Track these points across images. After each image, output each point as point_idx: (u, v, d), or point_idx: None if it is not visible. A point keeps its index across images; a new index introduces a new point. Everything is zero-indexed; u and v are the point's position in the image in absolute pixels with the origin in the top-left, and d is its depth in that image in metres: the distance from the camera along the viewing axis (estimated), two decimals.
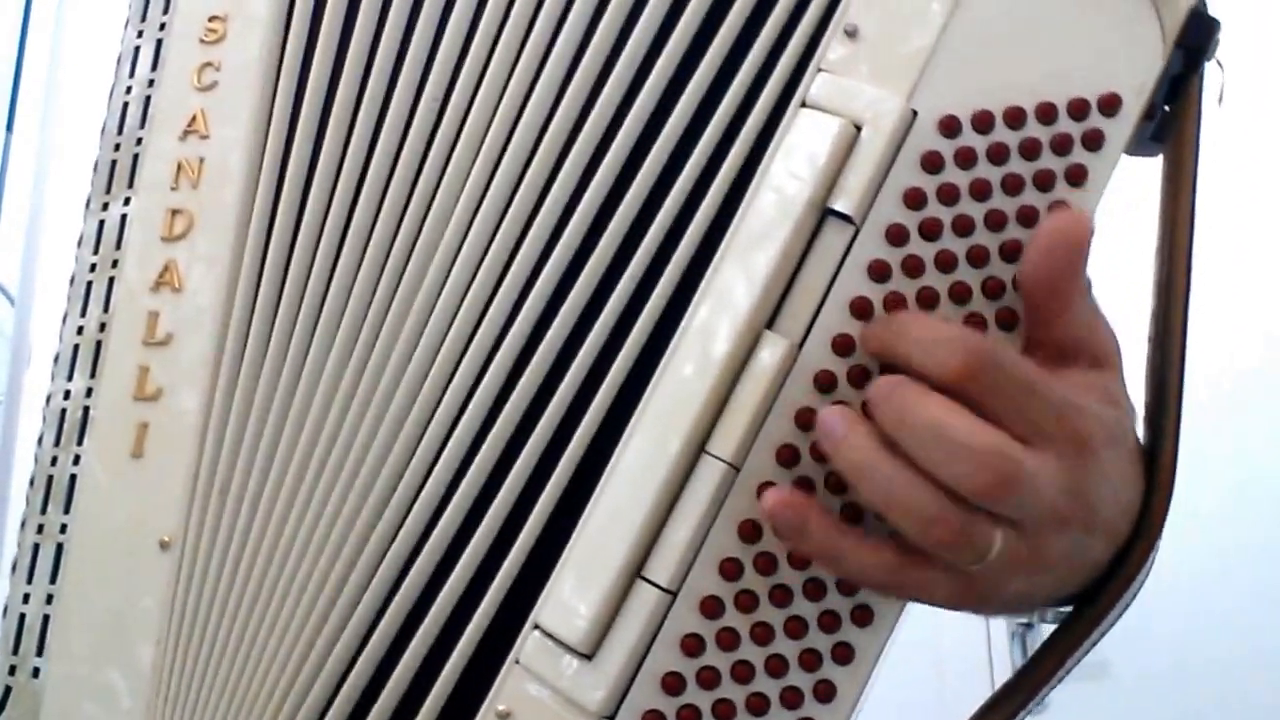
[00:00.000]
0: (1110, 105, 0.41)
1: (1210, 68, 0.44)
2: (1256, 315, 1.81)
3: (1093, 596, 0.42)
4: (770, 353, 0.41)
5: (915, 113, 0.42)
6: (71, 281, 0.51)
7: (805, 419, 0.40)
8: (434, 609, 0.44)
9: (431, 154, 0.47)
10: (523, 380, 0.45)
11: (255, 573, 0.47)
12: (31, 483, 0.50)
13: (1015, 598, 0.40)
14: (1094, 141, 0.41)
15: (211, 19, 0.52)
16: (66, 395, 0.50)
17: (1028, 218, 0.41)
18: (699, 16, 0.45)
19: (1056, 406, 0.38)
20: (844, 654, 0.41)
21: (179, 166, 0.51)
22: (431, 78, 0.48)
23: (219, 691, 0.46)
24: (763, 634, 0.40)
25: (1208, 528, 1.73)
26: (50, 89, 1.71)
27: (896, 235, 0.41)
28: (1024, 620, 1.83)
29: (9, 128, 1.73)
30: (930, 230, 0.41)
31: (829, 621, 0.41)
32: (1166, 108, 0.43)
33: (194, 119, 0.51)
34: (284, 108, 0.50)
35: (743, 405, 0.41)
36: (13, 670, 0.48)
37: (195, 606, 0.47)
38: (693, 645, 0.40)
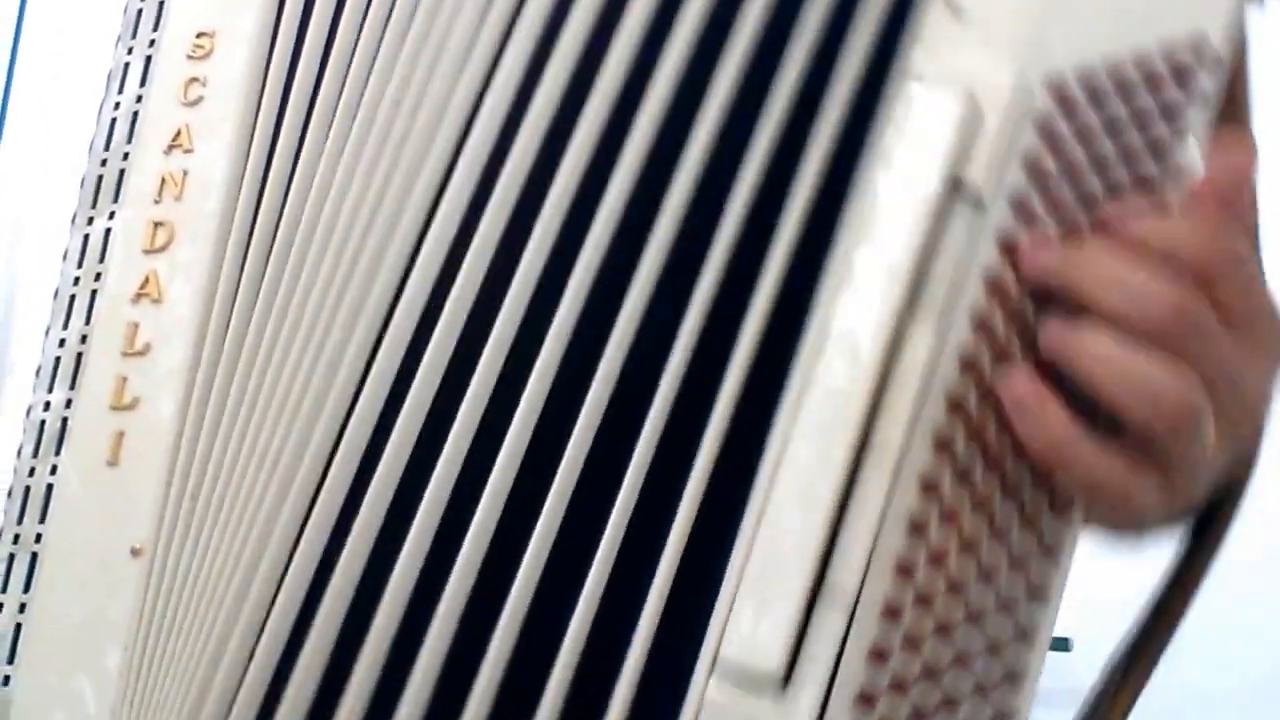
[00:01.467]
0: (1205, 54, 0.41)
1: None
2: None
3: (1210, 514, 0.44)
4: (921, 343, 0.39)
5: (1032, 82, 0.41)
6: (55, 295, 0.52)
7: (956, 402, 0.39)
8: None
9: (402, 165, 0.48)
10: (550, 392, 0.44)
11: (226, 578, 0.47)
12: (9, 494, 0.50)
13: (1192, 484, 0.40)
14: (1195, 94, 0.41)
15: (199, 35, 0.53)
16: (46, 406, 0.51)
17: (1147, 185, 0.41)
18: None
19: (1259, 295, 0.39)
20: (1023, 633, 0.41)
21: (163, 180, 0.51)
22: (410, 91, 0.49)
23: (183, 694, 0.46)
24: (945, 630, 0.39)
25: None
26: (41, 95, 1.71)
27: (1023, 205, 0.40)
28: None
29: (2, 121, 1.73)
30: (1056, 199, 0.40)
31: (1008, 608, 0.41)
32: None
33: (179, 133, 0.52)
34: (267, 122, 0.51)
35: (899, 402, 0.39)
36: None
37: (164, 612, 0.47)
38: (880, 653, 0.39)
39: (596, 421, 0.43)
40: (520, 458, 0.43)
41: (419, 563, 0.44)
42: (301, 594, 0.45)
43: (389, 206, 0.48)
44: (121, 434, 0.49)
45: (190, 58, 0.53)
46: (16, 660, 0.48)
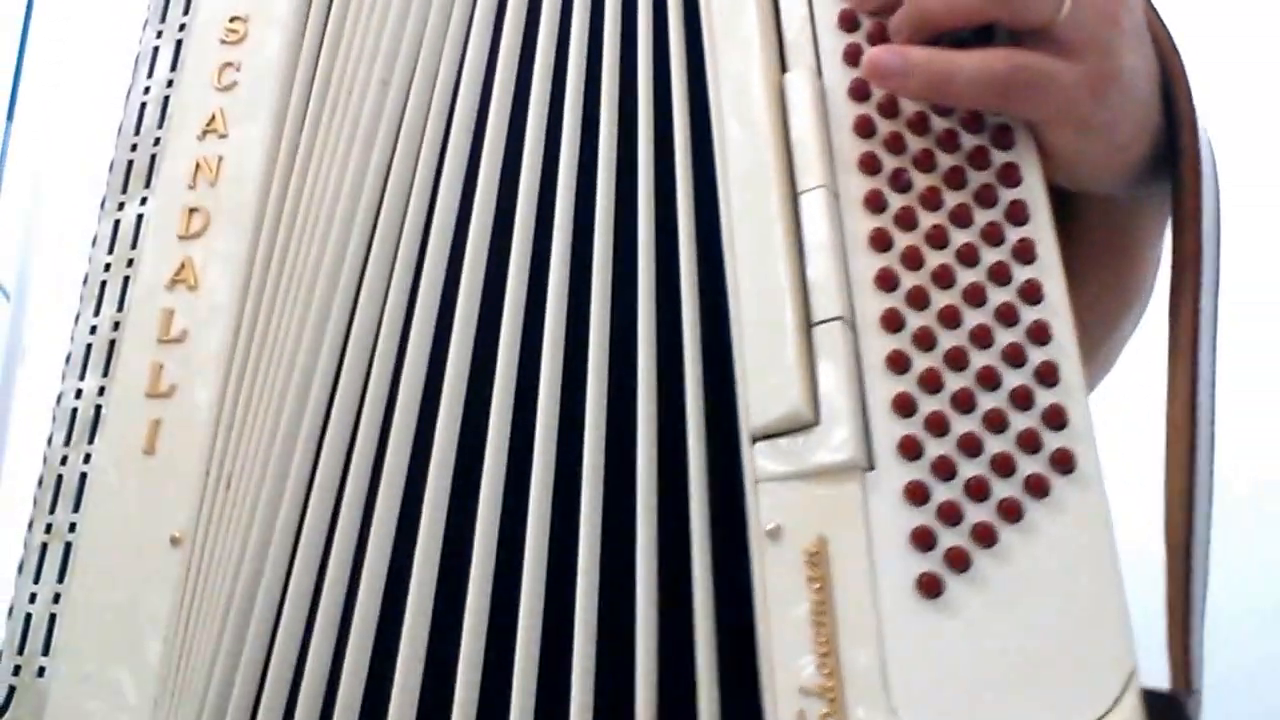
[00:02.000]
0: None
1: None
2: None
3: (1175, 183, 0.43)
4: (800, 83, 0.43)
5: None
6: (85, 281, 0.51)
7: (863, 129, 0.42)
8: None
9: (449, 152, 0.48)
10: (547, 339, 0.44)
11: (265, 565, 0.46)
12: (40, 483, 0.50)
13: (1129, 80, 0.41)
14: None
15: (232, 19, 0.52)
16: (78, 394, 0.50)
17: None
18: None
19: None
20: (1026, 250, 0.40)
21: (197, 165, 0.51)
22: (440, 76, 0.48)
23: (224, 686, 0.46)
24: (952, 314, 0.39)
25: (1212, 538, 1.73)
26: (53, 80, 1.71)
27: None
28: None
29: (10, 117, 1.72)
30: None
31: (995, 235, 0.40)
32: None
33: (213, 118, 0.51)
34: (300, 106, 0.50)
35: (807, 137, 0.42)
36: (17, 670, 0.48)
37: (204, 601, 0.46)
38: (898, 359, 0.39)
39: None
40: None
41: (438, 549, 0.44)
42: (343, 587, 0.45)
43: (421, 190, 0.47)
44: (158, 422, 0.48)
45: (224, 42, 0.52)
46: (52, 651, 0.48)
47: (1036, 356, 0.38)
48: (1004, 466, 0.37)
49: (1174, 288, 0.42)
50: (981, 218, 0.40)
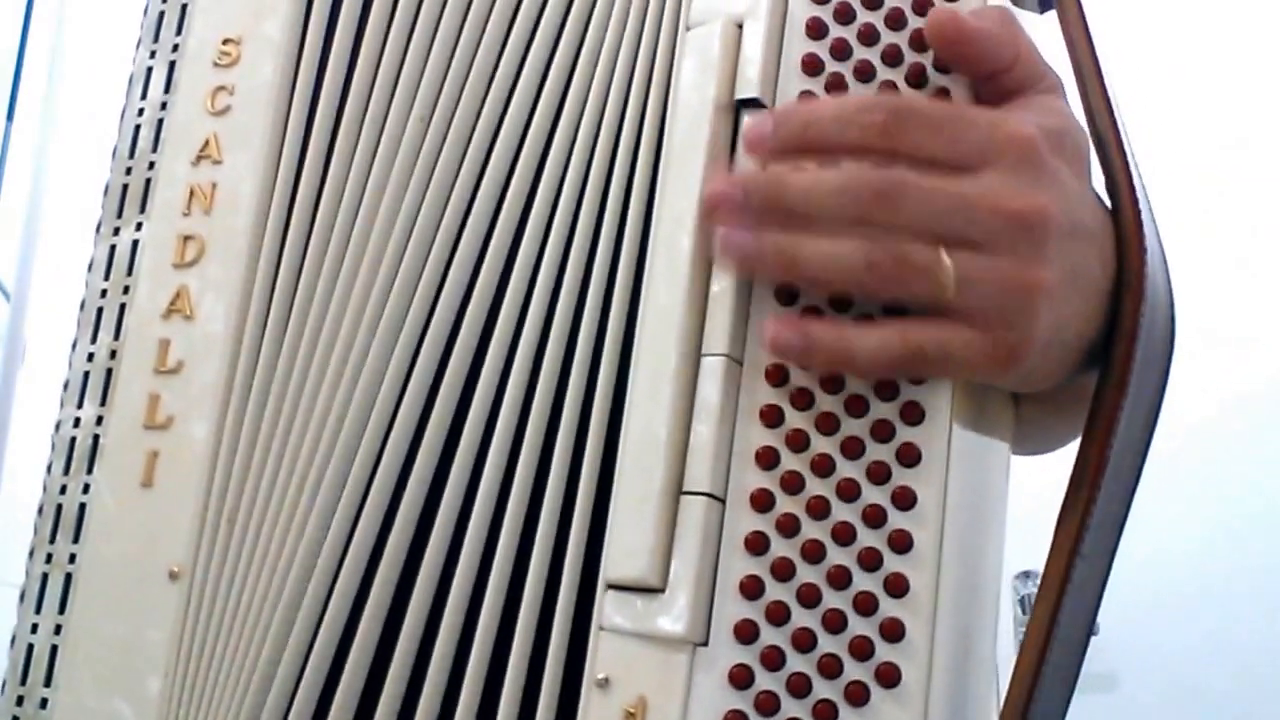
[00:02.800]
0: None
1: None
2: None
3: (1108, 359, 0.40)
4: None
5: None
6: (81, 306, 0.51)
7: (783, 297, 0.41)
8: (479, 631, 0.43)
9: (436, 178, 0.47)
10: (541, 379, 0.45)
11: (265, 603, 0.46)
12: (40, 511, 0.50)
13: (1048, 334, 0.38)
14: None
15: (225, 41, 0.52)
16: (76, 423, 0.50)
17: (921, 43, 0.42)
18: None
19: (986, 126, 0.38)
20: (910, 454, 0.39)
21: (191, 192, 0.50)
22: (441, 100, 0.48)
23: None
24: (819, 505, 0.39)
25: (1220, 537, 1.73)
26: (52, 80, 1.70)
27: (811, 65, 0.43)
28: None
29: (9, 117, 1.72)
30: (835, 87, 0.42)
31: (883, 432, 0.40)
32: None
33: (207, 144, 0.51)
34: (296, 133, 0.50)
35: (722, 298, 0.41)
36: (20, 701, 0.48)
37: (204, 637, 0.46)
38: (757, 542, 0.39)
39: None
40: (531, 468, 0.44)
41: (464, 582, 0.44)
42: (342, 622, 0.45)
43: (423, 220, 0.47)
44: (155, 454, 0.48)
45: (217, 65, 0.51)
46: (53, 682, 0.48)
47: (891, 565, 0.39)
48: (829, 669, 0.38)
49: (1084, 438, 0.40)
50: (874, 417, 0.40)
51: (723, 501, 0.40)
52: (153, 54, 0.53)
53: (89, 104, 1.72)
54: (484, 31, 0.48)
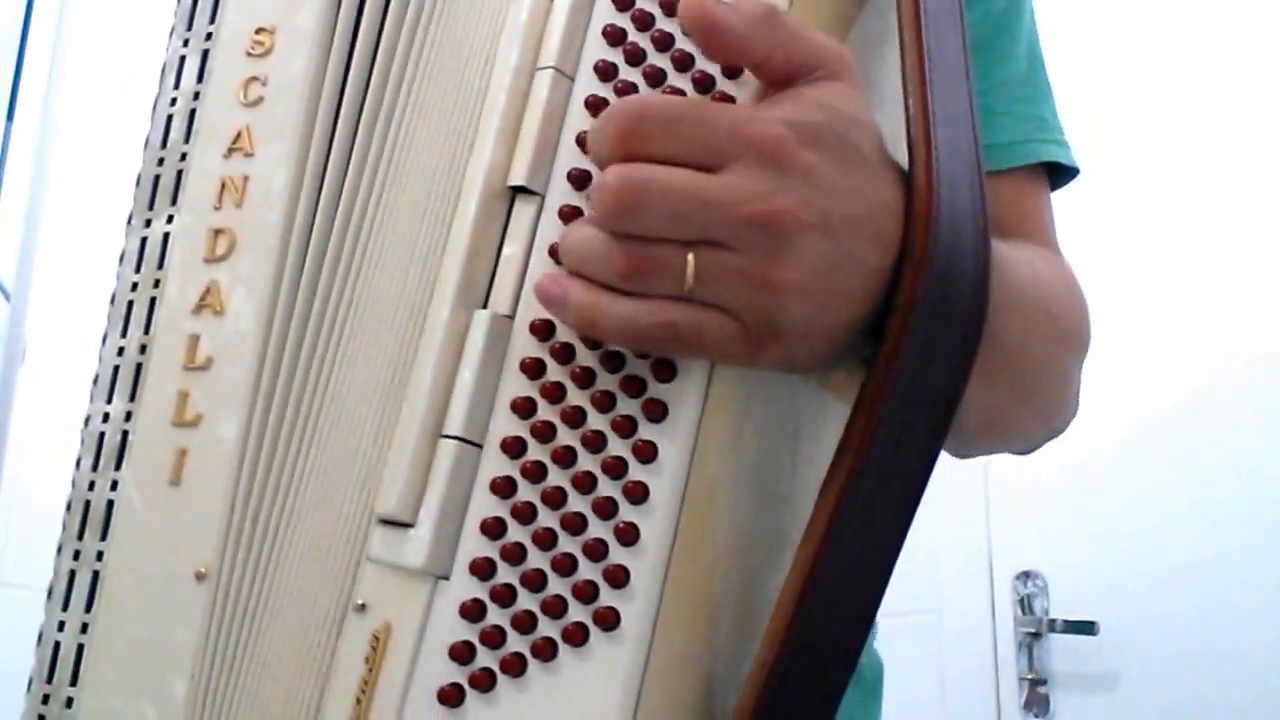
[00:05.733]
0: None
1: None
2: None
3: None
4: (524, 210, 0.44)
5: None
6: (112, 300, 0.50)
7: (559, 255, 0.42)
8: None
9: (462, 167, 0.46)
10: None
11: (292, 605, 0.45)
12: (69, 507, 0.48)
13: (799, 333, 0.40)
14: None
15: (258, 31, 0.51)
16: (105, 418, 0.49)
17: None
18: None
19: (728, 124, 0.39)
20: (654, 409, 0.41)
21: (223, 185, 0.49)
22: (463, 90, 0.47)
23: None
24: (564, 455, 0.41)
25: (1221, 537, 1.73)
26: (52, 80, 1.69)
27: (605, 70, 0.44)
28: (1031, 629, 1.83)
29: (9, 117, 1.71)
30: (633, 55, 0.44)
31: (624, 428, 0.41)
32: None
33: (239, 136, 0.50)
34: (327, 125, 0.49)
35: (510, 262, 0.44)
36: (46, 699, 0.47)
37: (230, 639, 0.45)
38: (503, 485, 0.41)
39: None
40: None
41: None
42: None
43: (451, 213, 0.46)
44: (184, 452, 0.47)
45: (250, 55, 0.50)
46: (79, 682, 0.47)
47: (624, 514, 0.40)
48: (553, 608, 0.40)
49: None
50: (627, 372, 0.42)
51: (479, 446, 0.42)
52: (186, 42, 0.52)
53: (89, 104, 1.71)
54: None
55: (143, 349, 0.49)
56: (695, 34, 0.40)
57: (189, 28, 0.52)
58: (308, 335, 0.47)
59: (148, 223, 0.51)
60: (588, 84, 0.44)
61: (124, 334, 0.49)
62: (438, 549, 0.42)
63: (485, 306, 0.44)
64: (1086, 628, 1.78)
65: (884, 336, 0.40)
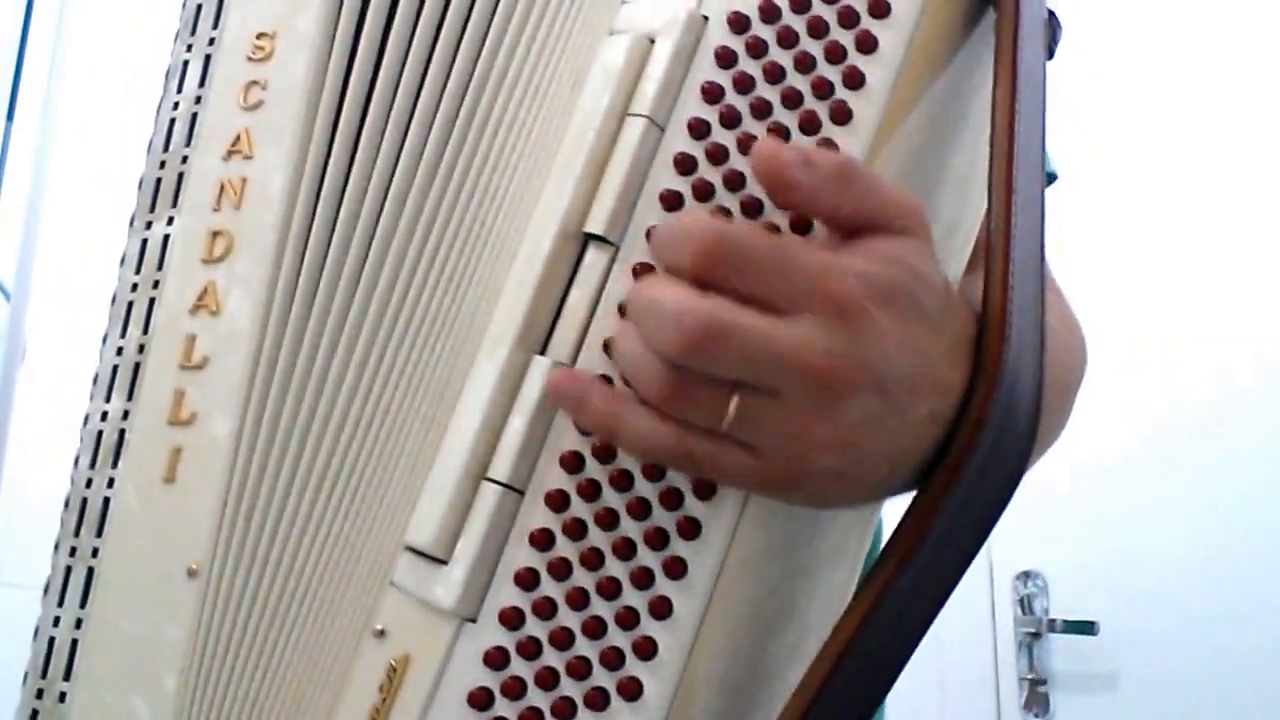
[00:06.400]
0: None
1: None
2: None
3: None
4: (596, 259, 0.43)
5: (706, 17, 0.44)
6: (113, 300, 0.51)
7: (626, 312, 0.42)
8: None
9: (470, 178, 0.47)
10: None
11: (284, 602, 0.46)
12: (66, 504, 0.49)
13: (831, 477, 0.40)
14: (879, 10, 0.43)
15: (259, 36, 0.51)
16: (104, 417, 0.49)
17: (821, 90, 0.42)
18: None
19: (809, 273, 0.38)
20: (688, 527, 0.41)
21: (221, 187, 0.50)
22: (468, 97, 0.48)
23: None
24: (606, 518, 0.41)
25: (1220, 537, 1.73)
26: (52, 80, 1.69)
27: (697, 128, 0.43)
28: (1031, 629, 1.83)
29: (9, 117, 1.71)
30: (729, 119, 0.43)
31: (670, 499, 0.41)
32: None
33: (238, 138, 0.50)
34: (326, 130, 0.49)
35: (574, 310, 0.43)
36: (40, 694, 0.48)
37: (221, 635, 0.46)
38: (542, 538, 0.41)
39: None
40: None
41: None
42: None
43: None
44: (179, 450, 0.47)
45: (250, 59, 0.51)
46: (73, 676, 0.47)
47: (661, 588, 0.41)
48: (578, 670, 0.40)
49: None
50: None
51: (521, 494, 0.42)
52: (189, 48, 0.53)
53: (89, 104, 1.71)
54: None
55: (141, 349, 0.49)
56: (765, 186, 0.40)
57: (192, 33, 0.53)
58: (304, 335, 0.47)
59: (149, 224, 0.51)
60: (678, 139, 0.43)
61: (123, 334, 0.50)
62: (469, 592, 0.42)
63: (544, 352, 0.43)
64: (1086, 628, 1.78)
65: (950, 446, 0.40)
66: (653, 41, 0.44)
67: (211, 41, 0.52)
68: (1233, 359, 1.79)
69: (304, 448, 0.47)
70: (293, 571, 0.46)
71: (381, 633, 0.43)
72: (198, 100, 0.52)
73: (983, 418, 0.40)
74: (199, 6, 0.53)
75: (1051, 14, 0.46)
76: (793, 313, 0.38)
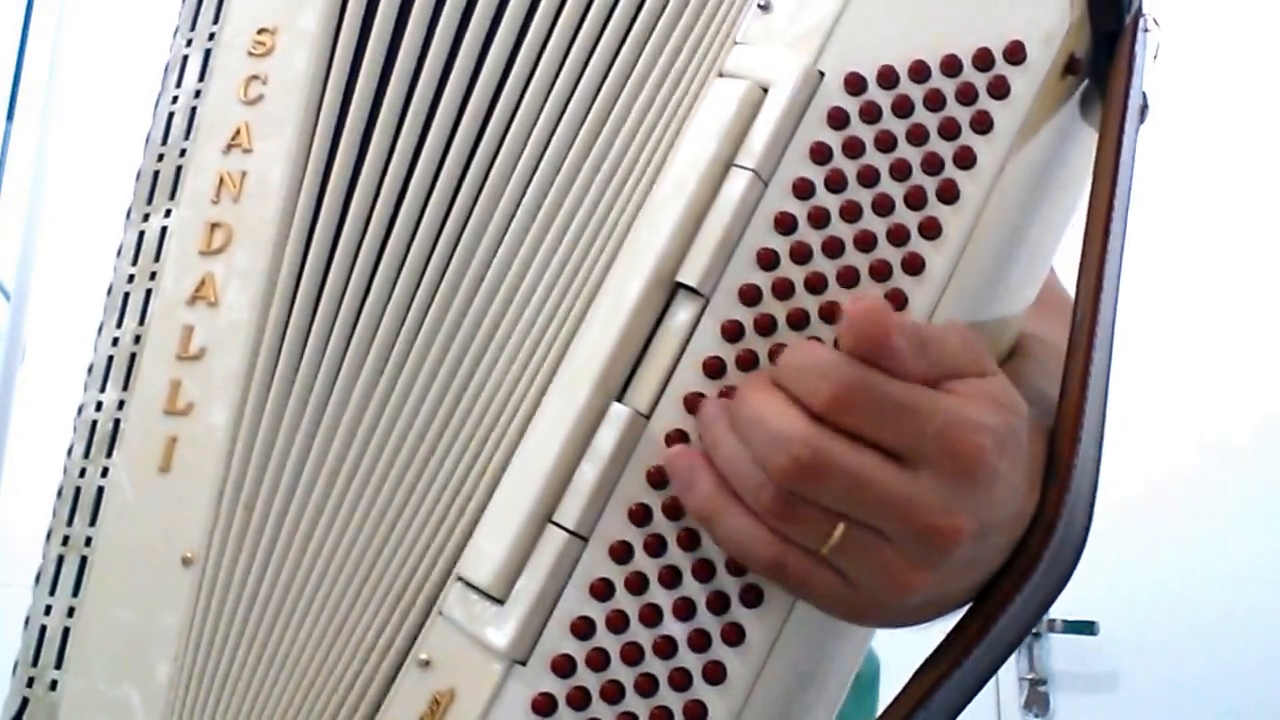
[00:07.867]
0: (1015, 54, 0.42)
1: (1150, 27, 0.44)
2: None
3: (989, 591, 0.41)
4: (684, 310, 0.43)
5: (822, 73, 0.43)
6: (109, 292, 0.51)
7: (712, 369, 0.41)
8: None
9: (470, 173, 0.47)
10: None
11: (277, 592, 0.46)
12: (59, 493, 0.49)
13: (912, 610, 0.41)
14: (999, 90, 0.42)
15: (260, 31, 0.52)
16: (98, 406, 0.50)
17: (932, 165, 0.42)
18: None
19: (939, 425, 0.38)
20: (749, 594, 0.41)
21: (220, 180, 0.50)
22: (474, 95, 0.48)
23: (234, 712, 0.45)
24: (669, 576, 0.41)
25: (1220, 537, 1.73)
26: (52, 80, 1.70)
27: (801, 189, 0.42)
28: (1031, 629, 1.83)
29: (9, 117, 1.72)
30: (835, 182, 0.42)
31: (736, 563, 0.41)
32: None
33: (238, 132, 0.51)
34: (327, 124, 0.50)
35: (656, 359, 0.42)
36: (30, 682, 0.48)
37: (215, 624, 0.46)
38: (601, 589, 0.41)
39: None
40: None
41: None
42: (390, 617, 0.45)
43: (456, 217, 0.47)
44: (174, 440, 0.48)
45: (251, 54, 0.51)
46: (64, 664, 0.47)
47: (717, 652, 0.40)
48: None
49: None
50: None
51: (585, 541, 0.42)
52: (189, 42, 0.53)
53: (89, 104, 1.72)
54: (525, 33, 0.48)
55: (137, 339, 0.50)
56: (857, 345, 0.38)
57: (192, 28, 0.54)
58: (302, 327, 0.48)
59: (146, 217, 0.51)
60: (781, 198, 0.42)
61: (119, 324, 0.50)
62: (523, 636, 0.41)
63: (622, 398, 0.43)
64: (1086, 628, 1.78)
65: (1022, 551, 0.41)
66: (765, 91, 0.43)
67: (212, 36, 0.53)
68: (1233, 359, 1.80)
69: (301, 439, 0.47)
70: (288, 562, 0.46)
71: (426, 662, 0.43)
72: (197, 94, 0.52)
73: (1054, 520, 0.40)
74: (199, 2, 0.53)
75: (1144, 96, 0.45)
76: (915, 463, 0.38)
